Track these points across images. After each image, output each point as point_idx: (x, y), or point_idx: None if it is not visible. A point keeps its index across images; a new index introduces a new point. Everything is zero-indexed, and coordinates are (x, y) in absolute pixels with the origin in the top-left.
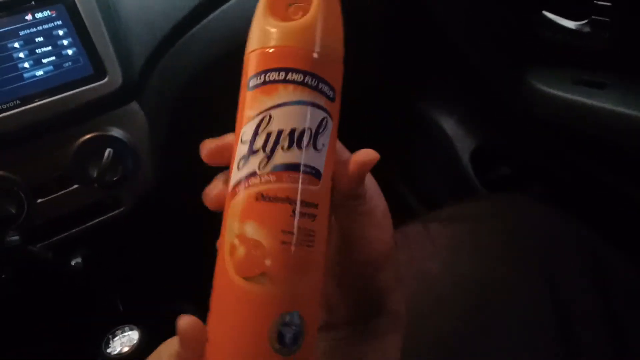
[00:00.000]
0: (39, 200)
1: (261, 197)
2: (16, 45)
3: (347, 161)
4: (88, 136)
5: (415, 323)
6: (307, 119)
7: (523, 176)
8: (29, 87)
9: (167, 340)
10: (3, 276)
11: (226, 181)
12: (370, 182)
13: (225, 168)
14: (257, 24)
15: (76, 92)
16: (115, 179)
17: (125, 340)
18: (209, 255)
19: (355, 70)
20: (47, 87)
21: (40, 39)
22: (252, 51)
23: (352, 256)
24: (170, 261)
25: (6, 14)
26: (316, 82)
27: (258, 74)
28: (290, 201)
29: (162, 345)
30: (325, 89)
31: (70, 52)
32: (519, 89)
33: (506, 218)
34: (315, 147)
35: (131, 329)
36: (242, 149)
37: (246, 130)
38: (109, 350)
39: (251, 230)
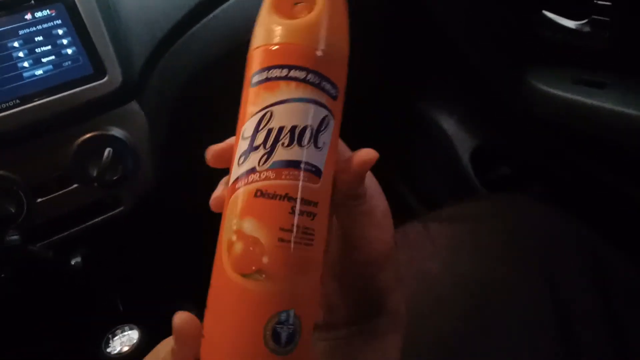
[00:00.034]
0: (39, 200)
1: (260, 193)
2: (16, 44)
3: (347, 160)
4: (88, 135)
5: (415, 323)
6: (308, 116)
7: (523, 176)
8: (28, 86)
9: (165, 339)
10: (3, 275)
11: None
12: (371, 181)
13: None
14: (262, 21)
15: (76, 92)
16: (115, 178)
17: (125, 339)
18: (209, 255)
19: (355, 70)
20: (46, 86)
21: (40, 38)
22: (255, 48)
23: (352, 256)
24: (170, 261)
25: (5, 13)
26: (319, 80)
27: (261, 71)
28: (290, 198)
29: (160, 344)
30: (328, 87)
31: (69, 51)
32: (519, 88)
33: (506, 218)
34: (316, 145)
35: (131, 329)
36: (242, 145)
37: (247, 126)
38: (109, 350)
39: (249, 226)
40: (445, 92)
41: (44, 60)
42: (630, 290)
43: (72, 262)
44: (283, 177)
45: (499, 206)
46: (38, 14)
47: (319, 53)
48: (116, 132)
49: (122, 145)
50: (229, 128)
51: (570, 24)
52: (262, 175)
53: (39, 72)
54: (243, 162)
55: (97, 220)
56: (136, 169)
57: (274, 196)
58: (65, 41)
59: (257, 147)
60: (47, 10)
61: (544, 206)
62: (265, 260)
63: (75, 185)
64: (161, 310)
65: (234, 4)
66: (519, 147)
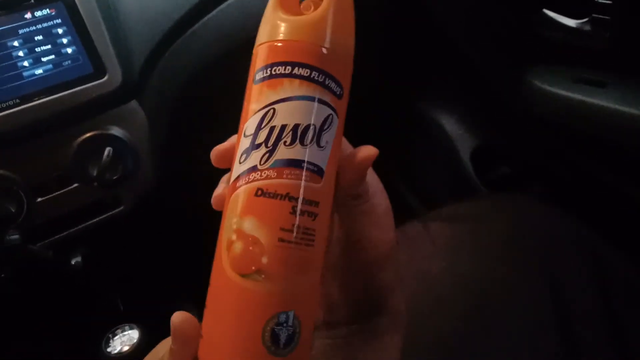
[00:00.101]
0: (39, 199)
1: (261, 192)
2: (15, 43)
3: (349, 156)
4: (88, 135)
5: (415, 323)
6: (311, 115)
7: (523, 176)
8: (28, 85)
9: (165, 339)
10: (3, 275)
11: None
12: (372, 179)
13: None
14: (267, 17)
15: (76, 91)
16: (115, 178)
17: (126, 339)
18: (209, 255)
19: (356, 70)
20: (46, 85)
21: (40, 37)
22: (260, 44)
23: (353, 255)
24: (170, 261)
25: (5, 12)
26: (323, 77)
27: (264, 68)
28: (291, 198)
29: (159, 344)
30: (333, 85)
31: (69, 50)
32: (519, 88)
33: (506, 218)
34: (318, 144)
35: (131, 328)
36: (244, 143)
37: (250, 124)
38: (109, 350)
39: (249, 226)
40: (445, 92)
41: (44, 59)
42: (630, 290)
43: (72, 262)
44: (284, 176)
45: (499, 206)
46: (38, 13)
47: (324, 50)
48: (116, 131)
49: (122, 144)
50: (229, 128)
51: (570, 23)
52: (263, 174)
53: (39, 71)
54: (244, 161)
55: (97, 220)
56: (136, 169)
57: (275, 195)
58: (65, 40)
59: (258, 146)
60: (47, 10)
61: (544, 206)
62: (265, 260)
63: (75, 185)
64: (161, 310)
65: (234, 3)
66: (519, 147)
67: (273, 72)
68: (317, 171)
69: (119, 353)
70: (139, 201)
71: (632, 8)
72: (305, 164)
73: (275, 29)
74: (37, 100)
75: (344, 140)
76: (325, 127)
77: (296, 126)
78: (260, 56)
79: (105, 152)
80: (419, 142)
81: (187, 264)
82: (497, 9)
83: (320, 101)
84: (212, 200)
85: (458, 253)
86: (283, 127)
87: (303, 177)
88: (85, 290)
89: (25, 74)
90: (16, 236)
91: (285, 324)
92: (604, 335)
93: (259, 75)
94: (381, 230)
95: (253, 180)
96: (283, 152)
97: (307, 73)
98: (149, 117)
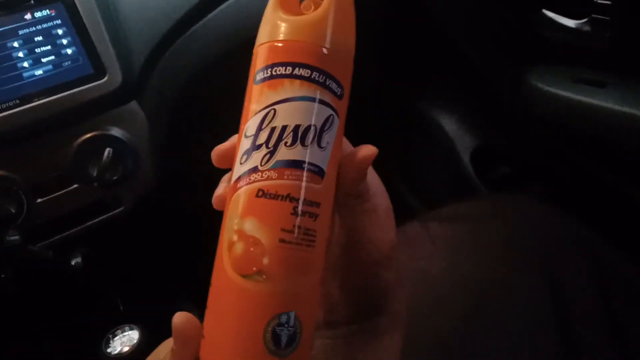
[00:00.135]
0: (39, 200)
1: (262, 193)
2: (15, 44)
3: (349, 155)
4: (88, 135)
5: (415, 323)
6: (312, 115)
7: (523, 176)
8: (28, 86)
9: (166, 340)
10: (3, 276)
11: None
12: (373, 179)
13: None
14: (267, 17)
15: (76, 92)
16: (115, 178)
17: (126, 339)
18: (209, 255)
19: (356, 70)
20: (46, 86)
21: (40, 38)
22: (260, 44)
23: (353, 255)
24: (170, 261)
25: (5, 13)
26: (324, 78)
27: (265, 68)
28: (292, 199)
29: (161, 345)
30: (333, 86)
31: (69, 51)
32: (519, 88)
33: (506, 218)
34: (319, 145)
35: (131, 329)
36: (245, 144)
37: (250, 124)
38: (109, 350)
39: (250, 226)
40: (445, 92)
41: (44, 60)
42: (630, 290)
43: (72, 262)
44: (285, 177)
45: (499, 206)
46: (38, 14)
47: (324, 51)
48: (116, 132)
49: (122, 145)
50: (229, 128)
51: (570, 23)
52: (264, 174)
53: (39, 72)
54: (245, 161)
55: (97, 220)
56: (136, 169)
57: (275, 196)
58: (65, 41)
59: (259, 146)
60: (47, 10)
61: (544, 206)
62: (265, 261)
63: (75, 185)
64: (161, 310)
65: (234, 3)
66: (519, 147)
67: (273, 73)
68: (317, 172)
69: (119, 353)
70: (139, 201)
71: (632, 8)
72: (306, 165)
73: (275, 29)
74: (37, 100)
75: (345, 140)
76: (326, 127)
77: (297, 127)
78: (260, 56)
79: (105, 153)
80: (419, 142)
81: (187, 264)
82: (497, 9)
83: (321, 101)
84: (213, 201)
85: (458, 253)
86: (284, 127)
87: (304, 178)
88: (85, 291)
89: (25, 74)
90: (16, 236)
91: (286, 325)
92: (604, 335)
93: (259, 76)
94: (382, 230)
95: (254, 181)
96: (284, 153)
97: (307, 73)
98: (149, 118)
